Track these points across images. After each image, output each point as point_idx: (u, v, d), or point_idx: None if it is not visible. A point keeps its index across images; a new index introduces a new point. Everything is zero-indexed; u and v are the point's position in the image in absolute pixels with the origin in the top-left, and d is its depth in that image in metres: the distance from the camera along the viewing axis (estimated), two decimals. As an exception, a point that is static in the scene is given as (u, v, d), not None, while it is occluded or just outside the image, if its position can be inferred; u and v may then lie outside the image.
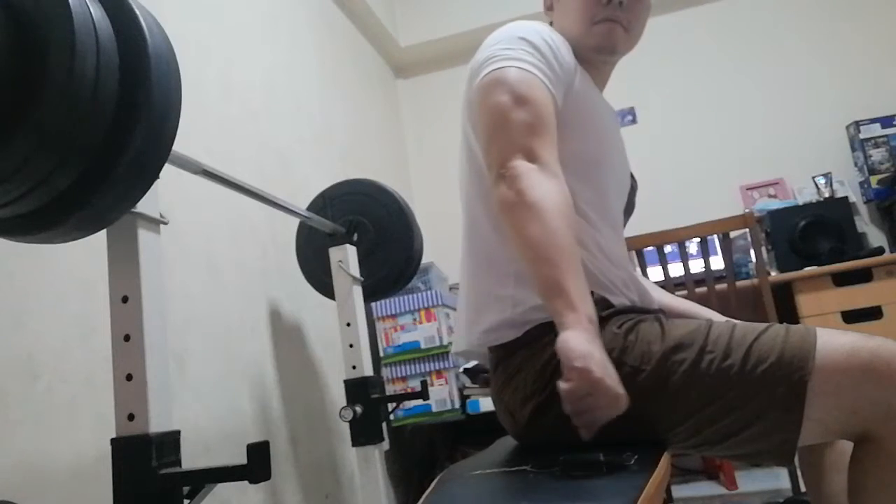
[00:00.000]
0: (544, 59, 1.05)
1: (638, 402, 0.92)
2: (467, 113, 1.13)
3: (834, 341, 0.89)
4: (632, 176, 1.31)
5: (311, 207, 1.98)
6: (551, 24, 1.23)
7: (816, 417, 0.88)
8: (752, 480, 2.64)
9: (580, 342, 0.81)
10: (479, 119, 1.05)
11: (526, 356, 1.03)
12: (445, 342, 2.39)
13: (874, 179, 2.90)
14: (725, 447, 0.94)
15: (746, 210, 2.46)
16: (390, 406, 2.16)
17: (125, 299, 0.92)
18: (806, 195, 3.00)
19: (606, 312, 1.01)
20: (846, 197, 2.87)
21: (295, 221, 2.01)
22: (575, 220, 0.96)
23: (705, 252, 2.18)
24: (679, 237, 2.17)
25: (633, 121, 3.30)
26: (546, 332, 0.99)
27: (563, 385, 0.81)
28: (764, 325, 0.95)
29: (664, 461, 0.89)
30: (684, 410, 0.93)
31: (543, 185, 0.94)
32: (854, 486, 0.92)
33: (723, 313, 1.33)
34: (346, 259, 1.83)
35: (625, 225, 1.31)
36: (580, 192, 1.08)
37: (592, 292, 1.00)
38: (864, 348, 0.87)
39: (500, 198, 0.96)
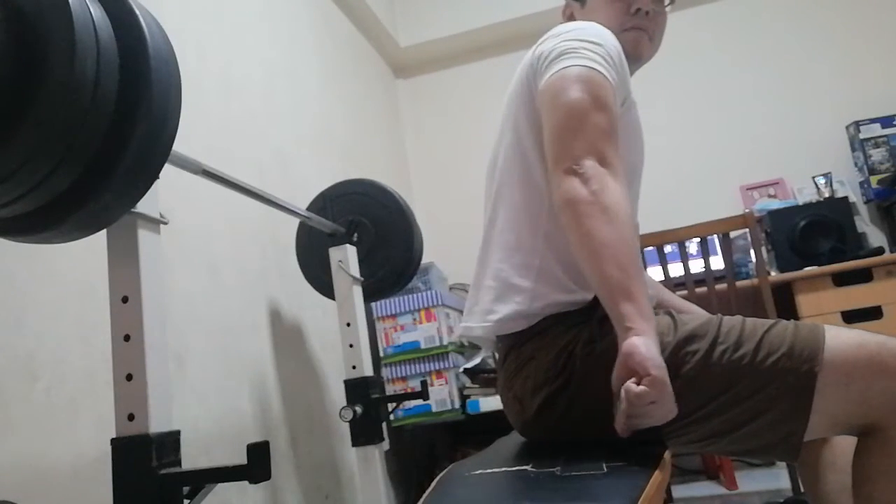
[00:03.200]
0: (615, 69, 1.05)
1: None
2: (525, 98, 1.11)
3: (841, 335, 0.92)
4: None
5: (311, 207, 1.98)
6: None
7: (824, 409, 0.89)
8: (752, 480, 2.63)
9: (655, 352, 0.84)
10: (549, 109, 1.03)
11: (538, 345, 1.04)
12: (445, 342, 2.39)
13: (874, 179, 2.90)
14: (733, 440, 0.95)
15: (746, 210, 2.46)
16: (390, 406, 2.17)
17: (125, 299, 0.92)
18: (806, 195, 3.00)
19: None
20: (846, 197, 2.86)
21: (295, 221, 2.01)
22: (637, 229, 0.98)
23: (705, 252, 2.18)
24: (679, 237, 2.17)
25: (633, 121, 3.30)
26: (559, 323, 1.03)
27: (634, 388, 0.82)
28: (772, 320, 0.97)
29: (664, 461, 0.89)
30: (696, 400, 0.94)
31: (617, 191, 0.94)
32: (860, 477, 0.93)
33: (723, 313, 1.34)
34: (346, 259, 1.83)
35: None
36: None
37: None
38: (872, 341, 0.90)
39: (569, 193, 0.95)
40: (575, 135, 0.98)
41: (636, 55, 1.19)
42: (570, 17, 1.27)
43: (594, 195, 0.93)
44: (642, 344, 0.84)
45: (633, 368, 0.84)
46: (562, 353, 1.01)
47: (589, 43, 1.05)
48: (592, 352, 0.99)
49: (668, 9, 1.23)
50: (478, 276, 1.16)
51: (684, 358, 0.95)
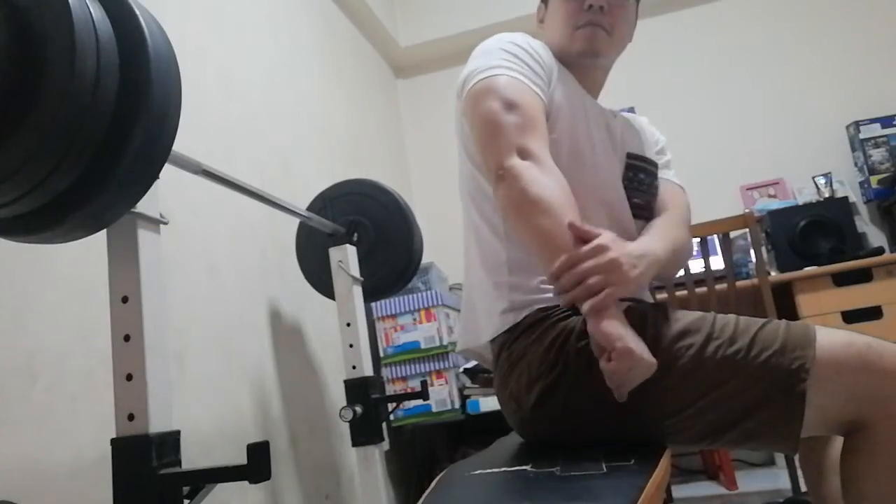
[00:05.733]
0: (525, 64, 1.12)
1: (645, 386, 0.95)
2: (459, 125, 1.20)
3: (831, 333, 0.95)
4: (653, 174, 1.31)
5: (311, 207, 1.98)
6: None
7: (817, 404, 0.92)
8: (752, 480, 2.64)
9: (613, 325, 0.88)
10: (472, 128, 1.12)
11: (528, 341, 1.05)
12: (445, 342, 2.39)
13: (874, 179, 2.90)
14: (732, 437, 0.96)
15: (746, 210, 2.46)
16: (390, 406, 2.17)
17: (125, 299, 0.92)
18: (806, 195, 3.00)
19: None
20: (846, 197, 2.87)
21: (295, 221, 2.01)
22: (577, 210, 0.99)
23: (705, 252, 2.18)
24: (679, 237, 2.16)
25: (633, 121, 3.30)
26: (546, 317, 1.05)
27: (608, 365, 0.89)
28: (764, 319, 0.99)
29: (664, 461, 0.89)
30: (691, 393, 0.95)
31: (542, 180, 0.99)
32: (848, 476, 0.94)
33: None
34: (346, 259, 1.83)
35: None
36: None
37: None
38: (859, 340, 0.93)
39: (503, 198, 1.02)
40: (494, 141, 1.05)
41: (592, 50, 1.21)
42: (542, 20, 1.31)
43: (522, 193, 0.98)
44: (597, 324, 0.89)
45: (600, 346, 0.89)
46: (552, 347, 1.02)
47: (492, 53, 1.14)
48: (589, 344, 0.99)
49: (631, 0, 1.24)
50: (466, 296, 1.22)
51: (678, 352, 0.96)
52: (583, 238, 0.93)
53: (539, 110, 1.08)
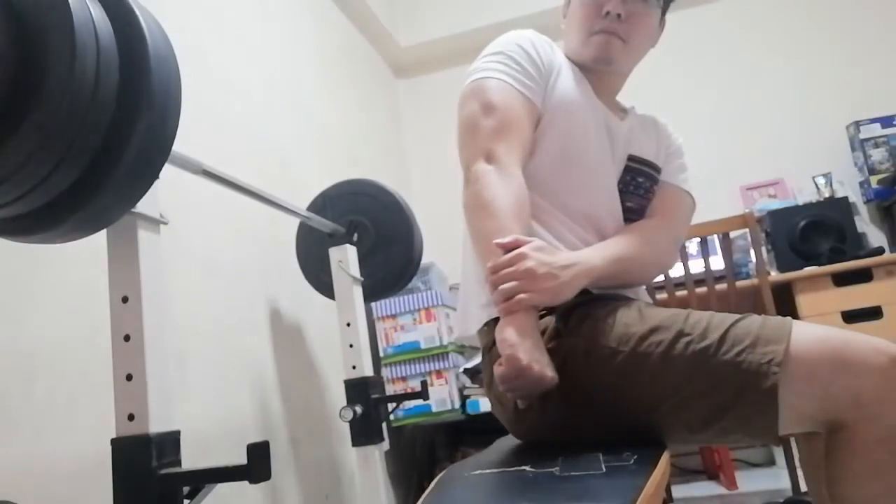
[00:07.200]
0: (519, 66, 1.14)
1: (618, 383, 0.96)
2: None
3: (807, 330, 0.91)
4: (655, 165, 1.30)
5: (311, 207, 1.98)
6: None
7: (790, 403, 0.88)
8: (752, 480, 2.64)
9: (512, 332, 0.91)
10: (457, 128, 1.15)
11: None
12: (445, 342, 2.39)
13: (874, 179, 2.90)
14: (710, 435, 0.96)
15: (746, 210, 2.46)
16: (390, 406, 2.17)
17: (125, 299, 0.92)
18: (806, 195, 3.00)
19: (584, 298, 1.05)
20: (846, 197, 2.86)
21: (295, 221, 2.01)
22: (528, 218, 1.03)
23: (705, 252, 2.18)
24: (679, 237, 2.16)
25: (633, 121, 3.29)
26: None
27: (495, 368, 0.92)
28: (744, 314, 0.96)
29: (664, 461, 0.89)
30: (663, 391, 0.94)
31: (497, 185, 1.02)
32: (830, 477, 0.92)
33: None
34: (346, 259, 1.83)
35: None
36: (548, 184, 1.14)
37: None
38: (836, 337, 0.89)
39: (464, 199, 1.07)
40: (467, 144, 1.10)
41: (605, 58, 1.21)
42: (565, 15, 1.30)
43: (475, 196, 1.03)
44: (504, 329, 0.93)
45: (500, 351, 0.92)
46: None
47: (489, 56, 1.17)
48: (560, 346, 1.00)
49: (653, 9, 1.21)
50: (465, 287, 1.23)
51: (648, 349, 0.95)
52: (510, 248, 0.95)
53: (520, 115, 1.10)
